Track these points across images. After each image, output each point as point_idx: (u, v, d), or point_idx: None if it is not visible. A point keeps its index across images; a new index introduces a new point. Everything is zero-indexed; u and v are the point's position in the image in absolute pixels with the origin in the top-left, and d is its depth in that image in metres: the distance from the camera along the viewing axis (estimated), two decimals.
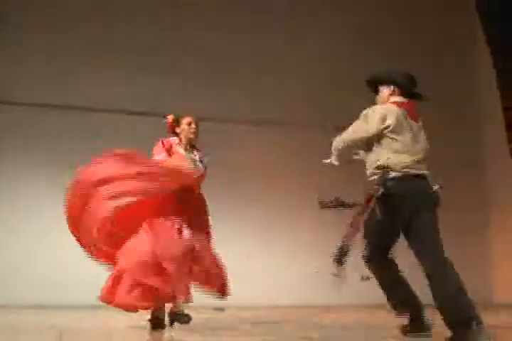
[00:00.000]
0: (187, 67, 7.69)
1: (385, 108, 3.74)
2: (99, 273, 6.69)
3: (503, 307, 7.70)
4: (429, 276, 3.56)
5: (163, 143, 4.50)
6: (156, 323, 4.30)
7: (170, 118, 4.65)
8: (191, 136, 4.58)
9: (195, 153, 4.60)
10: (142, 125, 6.88)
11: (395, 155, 3.68)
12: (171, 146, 4.50)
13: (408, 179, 3.66)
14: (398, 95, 3.84)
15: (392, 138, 3.69)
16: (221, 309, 5.80)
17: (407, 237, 3.68)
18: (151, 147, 4.55)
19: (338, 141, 3.83)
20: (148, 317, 4.34)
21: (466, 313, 3.42)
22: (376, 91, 3.96)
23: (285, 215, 7.75)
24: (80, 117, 7.32)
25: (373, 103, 3.94)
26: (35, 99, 7.22)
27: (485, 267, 8.43)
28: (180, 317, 4.32)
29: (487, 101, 8.77)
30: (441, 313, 3.50)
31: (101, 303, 4.11)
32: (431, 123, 8.48)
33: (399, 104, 3.78)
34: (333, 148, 3.86)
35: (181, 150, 4.51)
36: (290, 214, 7.70)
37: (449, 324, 3.47)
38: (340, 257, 3.53)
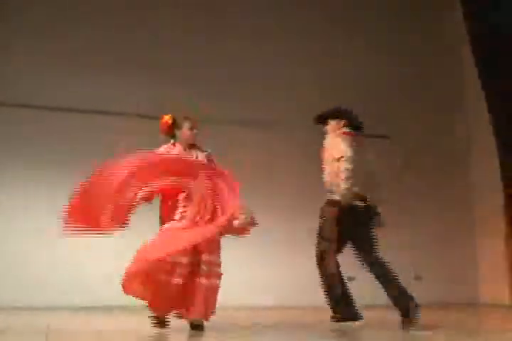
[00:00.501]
0: (178, 69, 7.74)
1: (346, 139, 4.74)
2: (93, 275, 6.79)
3: (489, 307, 7.95)
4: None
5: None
6: (158, 321, 4.29)
7: (169, 119, 4.47)
8: (191, 141, 4.48)
9: (194, 152, 4.48)
10: (141, 127, 6.87)
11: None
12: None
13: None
14: (346, 126, 4.84)
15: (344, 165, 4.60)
16: None
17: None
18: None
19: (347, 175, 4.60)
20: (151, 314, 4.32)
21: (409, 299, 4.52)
22: (324, 123, 4.91)
23: (272, 215, 7.77)
24: (79, 119, 7.37)
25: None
26: (33, 101, 7.25)
27: (471, 269, 8.58)
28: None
29: (473, 101, 8.84)
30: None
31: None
32: (415, 126, 8.72)
33: (349, 133, 4.81)
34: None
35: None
36: (277, 214, 7.71)
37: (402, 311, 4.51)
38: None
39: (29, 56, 7.34)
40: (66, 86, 7.37)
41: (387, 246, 4.87)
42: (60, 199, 4.19)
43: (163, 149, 4.50)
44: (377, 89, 8.51)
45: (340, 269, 4.67)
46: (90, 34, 7.56)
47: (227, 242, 4.37)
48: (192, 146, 4.53)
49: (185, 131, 4.47)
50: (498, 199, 8.24)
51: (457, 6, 8.58)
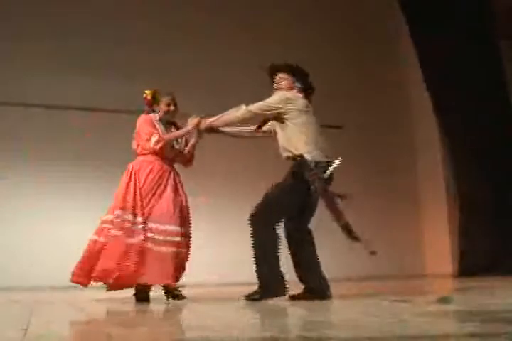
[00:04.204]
0: (160, 67, 8.10)
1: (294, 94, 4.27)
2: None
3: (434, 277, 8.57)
4: None
5: (150, 120, 4.56)
6: (141, 297, 4.46)
7: (148, 94, 4.61)
8: (168, 118, 4.61)
9: (173, 129, 4.64)
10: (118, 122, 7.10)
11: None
12: (154, 124, 4.55)
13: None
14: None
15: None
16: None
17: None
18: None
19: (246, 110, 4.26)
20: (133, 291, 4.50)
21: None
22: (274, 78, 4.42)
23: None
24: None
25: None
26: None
27: (418, 244, 9.24)
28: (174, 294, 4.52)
29: (416, 92, 9.50)
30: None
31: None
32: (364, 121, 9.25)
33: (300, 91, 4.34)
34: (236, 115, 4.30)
35: (162, 127, 4.58)
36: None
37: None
38: (352, 235, 3.97)
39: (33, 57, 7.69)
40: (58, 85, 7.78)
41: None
42: None
43: (152, 116, 4.64)
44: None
45: None
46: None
47: None
48: (173, 123, 4.73)
49: (162, 106, 4.63)
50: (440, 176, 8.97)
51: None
